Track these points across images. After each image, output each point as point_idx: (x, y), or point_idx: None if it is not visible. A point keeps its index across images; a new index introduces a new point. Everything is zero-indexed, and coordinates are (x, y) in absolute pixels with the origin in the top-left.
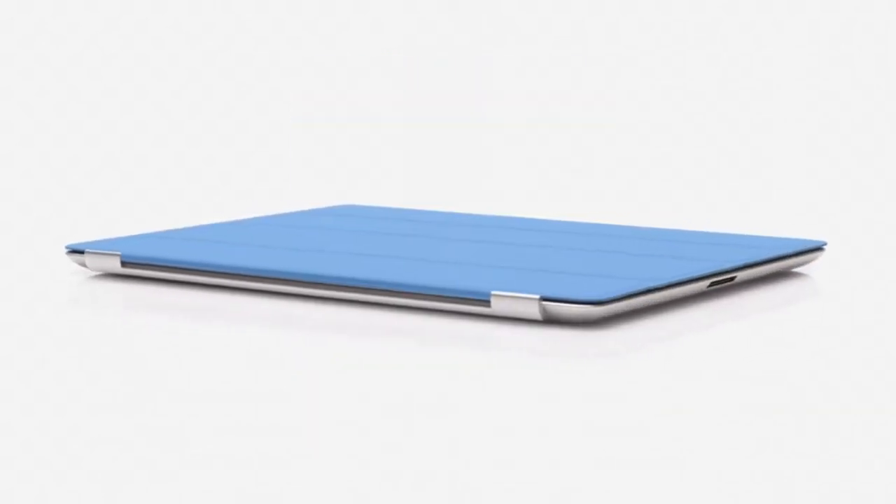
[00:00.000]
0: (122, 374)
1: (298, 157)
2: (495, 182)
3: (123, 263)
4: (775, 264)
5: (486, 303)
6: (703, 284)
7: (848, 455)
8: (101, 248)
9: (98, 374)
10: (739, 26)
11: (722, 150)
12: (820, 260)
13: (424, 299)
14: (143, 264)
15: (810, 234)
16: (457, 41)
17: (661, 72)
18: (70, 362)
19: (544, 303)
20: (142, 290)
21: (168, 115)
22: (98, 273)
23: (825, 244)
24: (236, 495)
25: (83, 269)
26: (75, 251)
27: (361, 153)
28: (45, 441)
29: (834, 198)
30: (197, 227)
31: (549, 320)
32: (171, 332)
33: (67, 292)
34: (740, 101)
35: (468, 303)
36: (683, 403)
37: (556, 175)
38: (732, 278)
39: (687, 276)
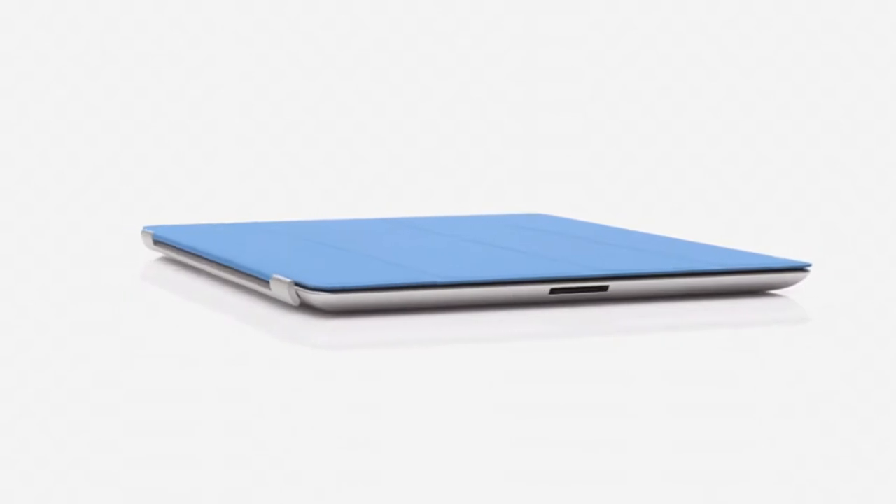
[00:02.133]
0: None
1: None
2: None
3: (154, 241)
4: (699, 279)
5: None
6: (544, 289)
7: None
8: (148, 228)
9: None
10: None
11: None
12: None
13: (228, 273)
14: (167, 245)
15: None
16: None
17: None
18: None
19: (296, 287)
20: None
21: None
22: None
23: (809, 265)
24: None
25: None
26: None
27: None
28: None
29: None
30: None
31: (304, 306)
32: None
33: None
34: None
35: (259, 283)
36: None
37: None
38: (604, 287)
39: (490, 278)
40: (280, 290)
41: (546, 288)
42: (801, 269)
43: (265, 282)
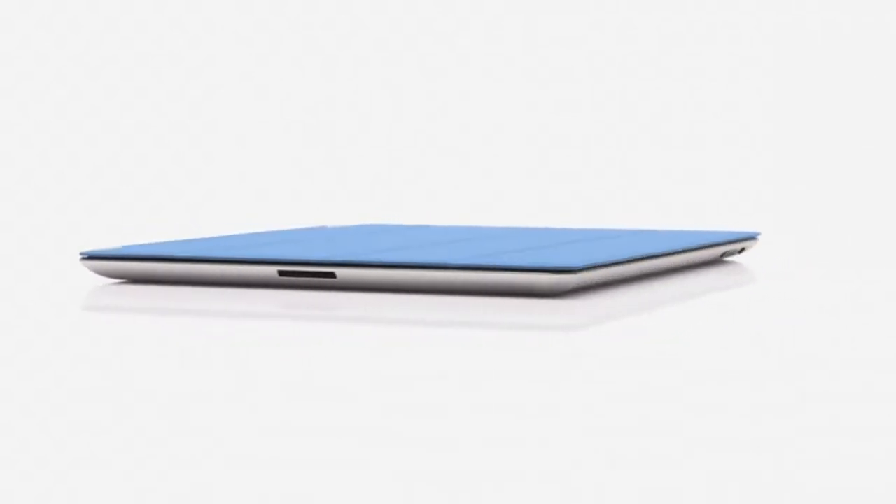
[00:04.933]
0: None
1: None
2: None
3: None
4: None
5: None
6: (272, 271)
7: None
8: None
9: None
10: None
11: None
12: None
13: None
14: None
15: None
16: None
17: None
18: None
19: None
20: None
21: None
22: None
23: (575, 268)
24: None
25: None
26: None
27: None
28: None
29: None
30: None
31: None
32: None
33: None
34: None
35: None
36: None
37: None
38: (331, 274)
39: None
40: None
41: (274, 270)
42: (564, 270)
43: None
